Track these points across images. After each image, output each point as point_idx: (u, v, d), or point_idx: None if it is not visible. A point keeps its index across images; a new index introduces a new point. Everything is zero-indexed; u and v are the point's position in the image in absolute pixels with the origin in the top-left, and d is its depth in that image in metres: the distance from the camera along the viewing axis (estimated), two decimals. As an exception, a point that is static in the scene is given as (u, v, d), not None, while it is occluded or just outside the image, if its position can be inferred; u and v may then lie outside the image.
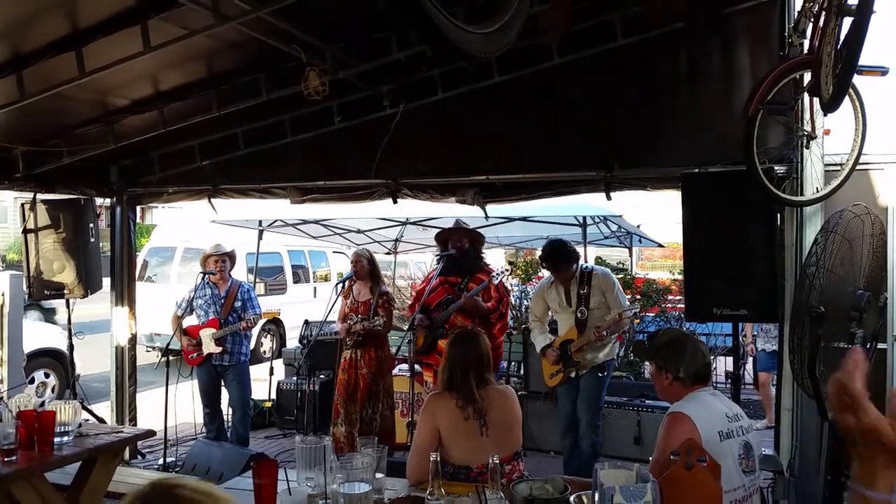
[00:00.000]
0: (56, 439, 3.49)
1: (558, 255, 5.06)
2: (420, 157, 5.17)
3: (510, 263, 7.66)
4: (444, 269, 5.35)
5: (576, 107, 4.80)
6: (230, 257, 6.15)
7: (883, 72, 3.36)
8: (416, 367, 5.47)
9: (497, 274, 5.38)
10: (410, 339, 5.29)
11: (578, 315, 4.98)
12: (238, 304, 6.03)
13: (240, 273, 6.45)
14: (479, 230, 5.74)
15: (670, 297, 9.31)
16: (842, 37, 2.73)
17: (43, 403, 3.86)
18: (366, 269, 5.84)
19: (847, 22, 2.68)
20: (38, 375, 7.73)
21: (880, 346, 3.86)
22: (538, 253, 14.17)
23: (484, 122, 5.01)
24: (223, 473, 4.70)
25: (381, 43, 4.26)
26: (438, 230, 5.82)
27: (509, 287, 10.20)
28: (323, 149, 5.40)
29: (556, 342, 5.10)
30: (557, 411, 5.24)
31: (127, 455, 5.89)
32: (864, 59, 2.72)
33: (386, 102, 4.93)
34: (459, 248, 5.39)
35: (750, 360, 8.80)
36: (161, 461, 5.70)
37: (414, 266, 14.52)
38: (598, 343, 4.90)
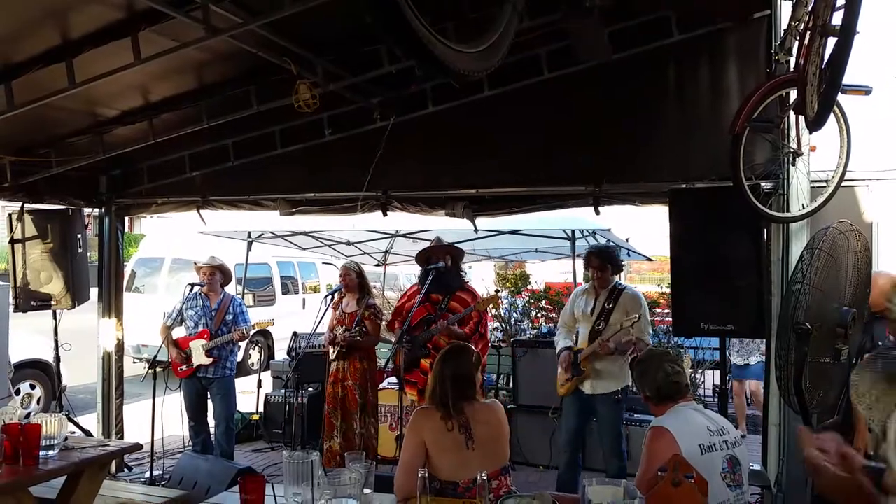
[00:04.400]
0: (41, 453, 3.44)
1: (610, 254, 5.12)
2: (410, 169, 5.18)
3: (497, 291, 7.63)
4: (430, 286, 5.32)
5: (565, 122, 4.83)
6: (222, 271, 6.09)
7: (866, 91, 3.41)
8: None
9: (480, 301, 5.30)
10: (392, 355, 5.27)
11: (595, 326, 4.94)
12: (229, 317, 5.98)
13: (229, 284, 6.40)
14: (460, 244, 5.73)
15: (658, 311, 9.33)
16: (826, 56, 2.76)
17: (28, 416, 3.81)
18: (354, 282, 5.83)
19: (831, 42, 2.71)
20: (24, 387, 7.66)
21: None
22: (528, 266, 14.20)
23: (474, 136, 5.03)
24: (210, 487, 4.66)
25: (372, 56, 4.29)
26: (421, 248, 5.79)
27: (499, 299, 10.21)
28: (313, 161, 5.41)
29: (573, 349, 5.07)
30: (561, 421, 5.22)
31: (113, 468, 5.83)
32: (849, 78, 2.76)
33: (376, 115, 4.95)
34: (444, 264, 5.38)
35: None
36: (148, 474, 5.65)
37: (404, 277, 14.51)
38: (607, 356, 4.86)
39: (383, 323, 5.94)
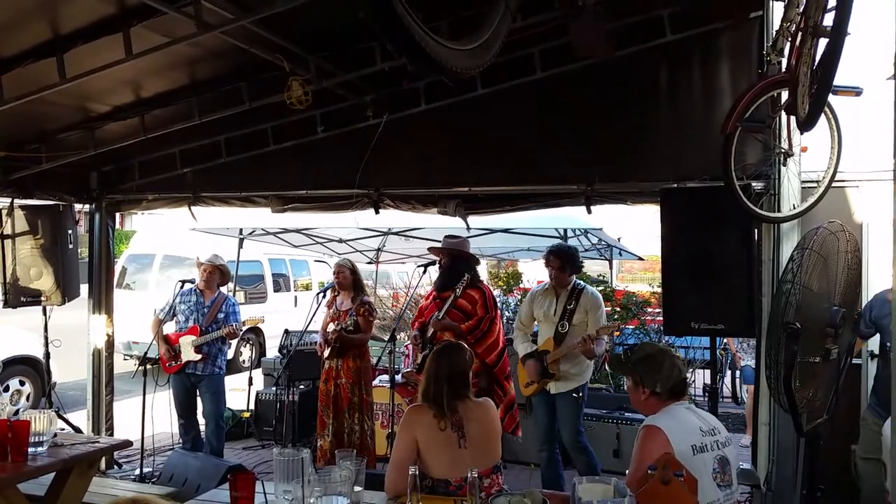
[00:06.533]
0: (30, 449, 3.43)
1: (570, 256, 5.11)
2: (403, 167, 5.17)
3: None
4: (436, 284, 5.32)
5: (558, 120, 4.83)
6: (222, 272, 6.09)
7: (857, 92, 3.43)
8: (398, 378, 5.45)
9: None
10: (391, 350, 5.27)
11: (559, 328, 4.97)
12: (221, 315, 5.94)
13: (225, 284, 6.38)
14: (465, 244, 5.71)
15: (649, 310, 9.35)
16: (818, 57, 2.78)
17: (17, 412, 3.80)
18: (349, 280, 5.81)
19: (822, 43, 2.73)
20: (13, 383, 7.62)
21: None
22: (520, 265, 14.22)
23: (467, 134, 5.03)
24: (200, 485, 4.65)
25: (365, 53, 4.28)
26: (431, 243, 5.81)
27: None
28: (305, 158, 5.39)
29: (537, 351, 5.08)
30: (534, 422, 5.24)
31: (103, 465, 5.81)
32: (839, 79, 2.77)
33: (369, 112, 4.94)
34: (440, 263, 5.40)
35: (729, 373, 8.87)
36: (138, 471, 5.62)
37: (396, 276, 14.48)
38: (575, 357, 4.89)
39: (378, 321, 5.93)
